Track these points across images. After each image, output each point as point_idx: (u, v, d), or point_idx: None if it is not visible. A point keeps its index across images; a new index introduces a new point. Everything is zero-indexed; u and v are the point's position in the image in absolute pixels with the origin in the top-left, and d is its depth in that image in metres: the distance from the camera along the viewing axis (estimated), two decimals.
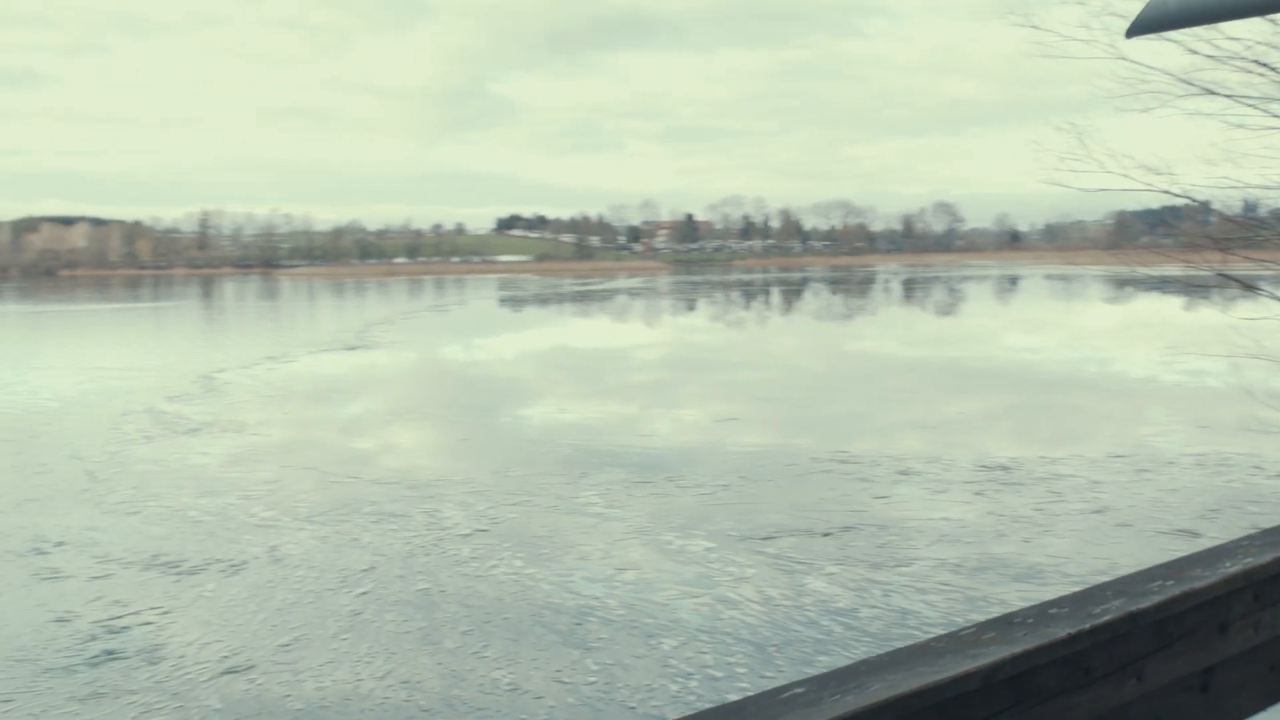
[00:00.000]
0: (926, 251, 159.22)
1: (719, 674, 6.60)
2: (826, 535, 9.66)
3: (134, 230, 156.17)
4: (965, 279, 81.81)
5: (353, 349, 29.18)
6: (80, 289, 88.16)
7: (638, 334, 36.98)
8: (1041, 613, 1.24)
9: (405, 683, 6.67)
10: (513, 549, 9.45)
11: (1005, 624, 1.22)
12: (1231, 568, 1.41)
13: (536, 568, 8.92)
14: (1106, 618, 1.24)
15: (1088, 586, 1.35)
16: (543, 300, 61.71)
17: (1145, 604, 1.28)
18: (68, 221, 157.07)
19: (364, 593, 8.41)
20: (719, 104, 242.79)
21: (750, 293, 68.93)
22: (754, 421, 16.28)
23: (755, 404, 18.25)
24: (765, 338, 36.10)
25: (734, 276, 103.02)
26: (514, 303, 61.30)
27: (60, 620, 7.74)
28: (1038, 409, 17.35)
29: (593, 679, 6.65)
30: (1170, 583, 1.35)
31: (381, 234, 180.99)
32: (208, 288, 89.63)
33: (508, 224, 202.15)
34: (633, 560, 9.03)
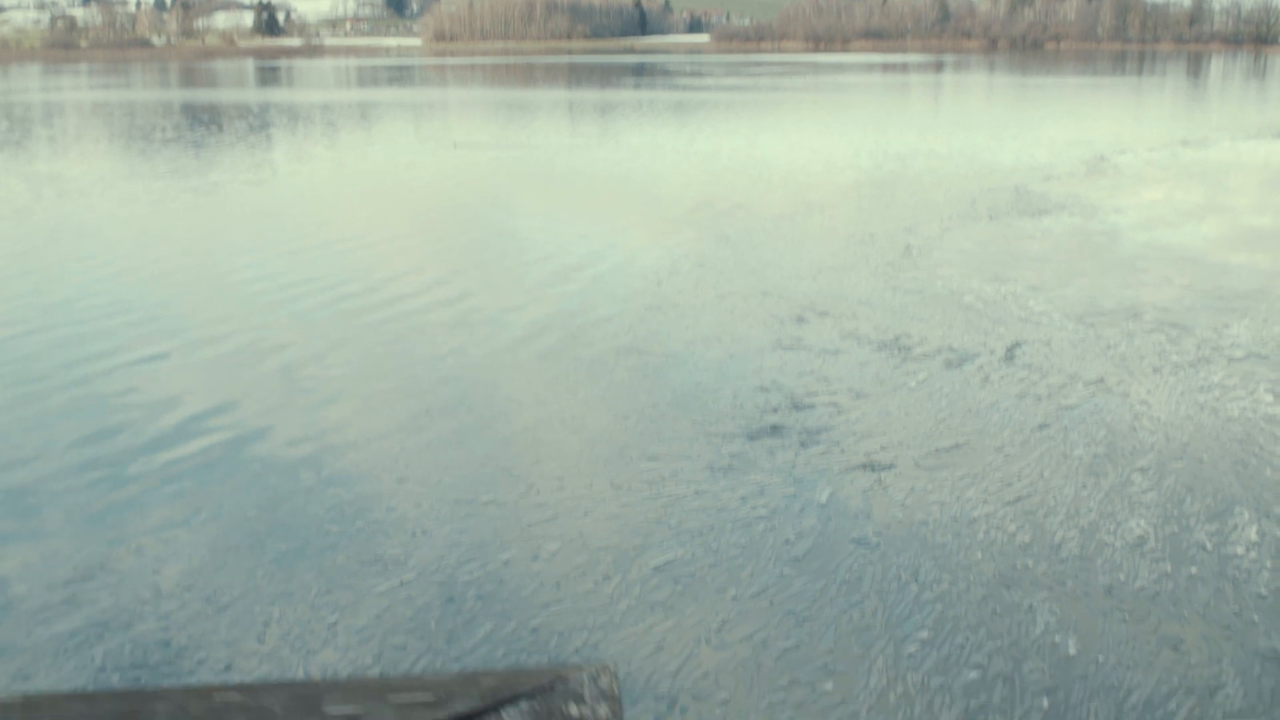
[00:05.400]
0: None
1: None
2: None
3: (1125, 3, 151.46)
4: None
5: None
6: (1064, 61, 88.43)
7: None
8: None
9: (990, 536, 5.68)
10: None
11: None
12: None
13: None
14: None
15: None
16: None
17: None
18: None
19: (1066, 407, 7.33)
20: None
21: None
22: None
23: None
24: None
25: None
26: None
27: (761, 389, 7.88)
28: None
29: None
30: None
31: None
32: (1190, 64, 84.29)
33: None
34: None
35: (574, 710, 1.27)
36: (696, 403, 7.60)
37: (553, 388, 7.96)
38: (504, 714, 1.25)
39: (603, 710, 1.28)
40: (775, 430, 7.08)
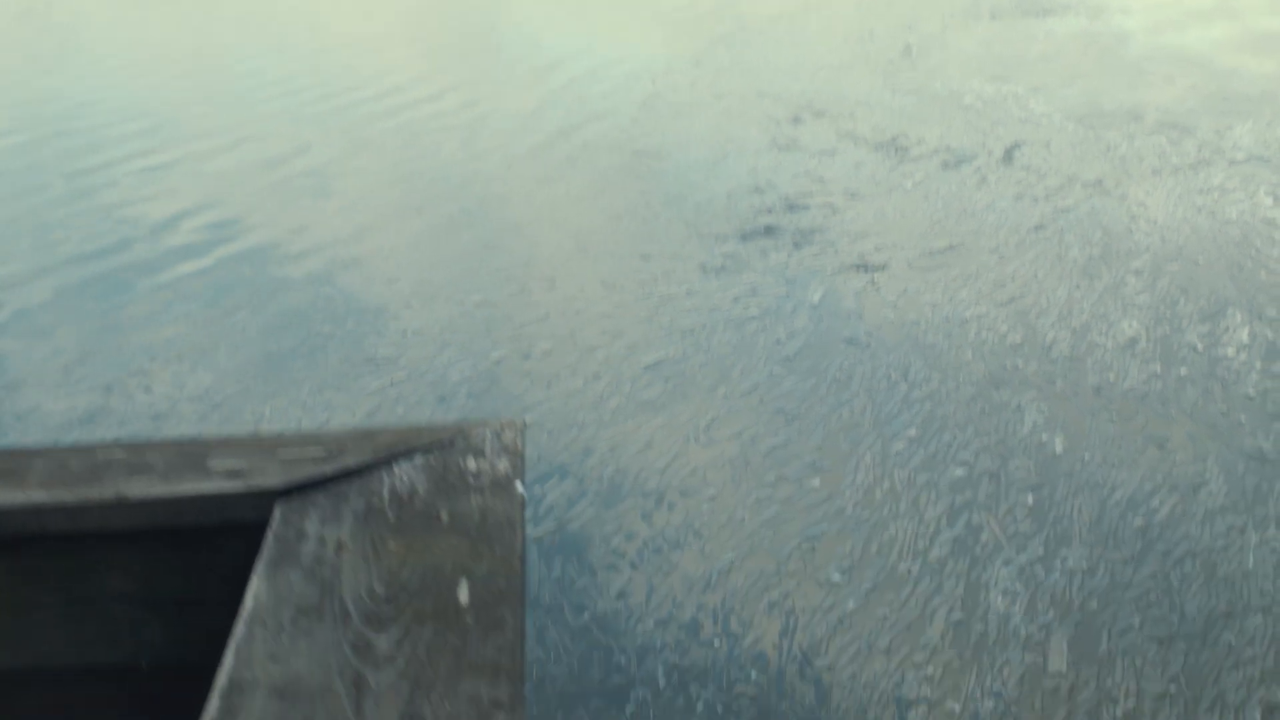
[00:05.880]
0: None
1: None
2: None
3: None
4: None
5: None
6: None
7: None
8: None
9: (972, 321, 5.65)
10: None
11: None
12: None
13: None
14: None
15: None
16: None
17: None
18: None
19: (1063, 209, 7.25)
20: None
21: None
22: None
23: None
24: None
25: None
26: None
27: (756, 189, 7.76)
28: None
29: None
30: None
31: None
32: None
33: None
34: None
35: (472, 464, 1.22)
36: (690, 203, 7.50)
37: (545, 188, 7.84)
38: (396, 467, 1.21)
39: (503, 464, 1.23)
40: (769, 231, 7.00)
